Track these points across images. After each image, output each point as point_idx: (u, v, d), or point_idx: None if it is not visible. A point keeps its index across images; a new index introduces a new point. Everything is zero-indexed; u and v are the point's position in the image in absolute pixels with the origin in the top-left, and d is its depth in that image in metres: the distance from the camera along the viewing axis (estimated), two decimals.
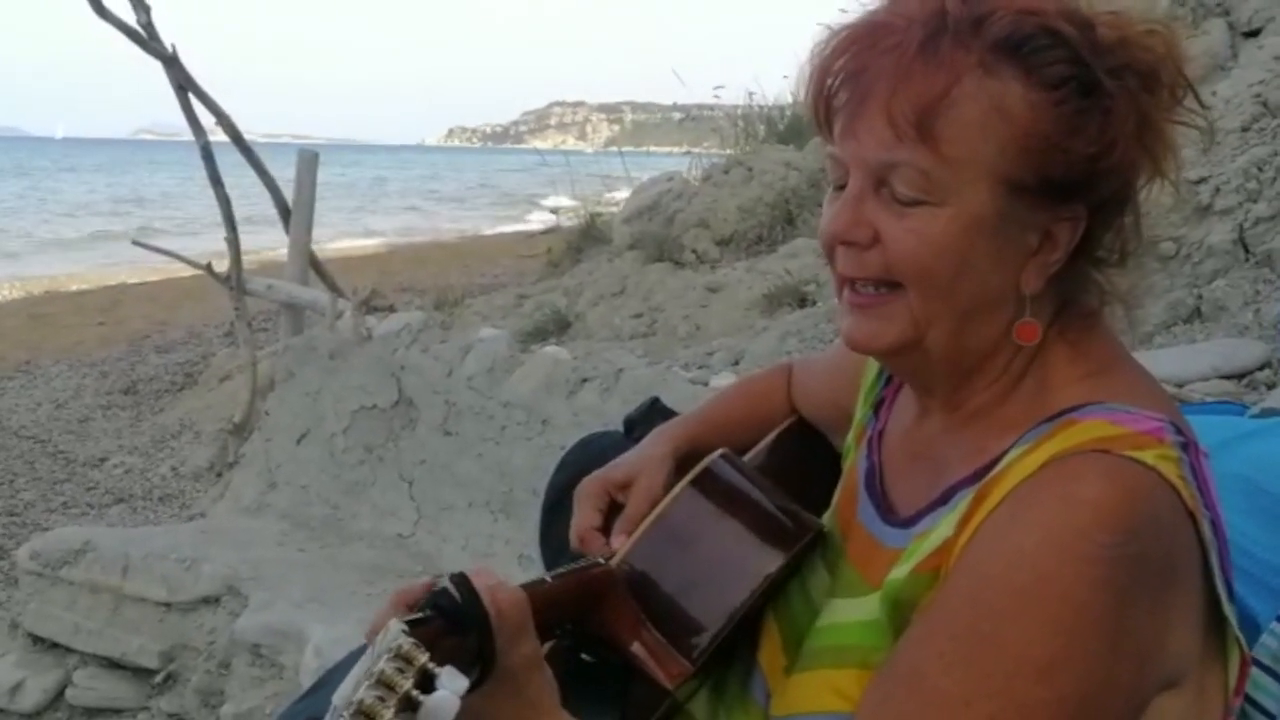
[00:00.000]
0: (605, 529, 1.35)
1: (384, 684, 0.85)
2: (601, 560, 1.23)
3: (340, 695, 0.85)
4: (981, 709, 0.91)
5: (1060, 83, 1.00)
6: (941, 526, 1.04)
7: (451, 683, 0.87)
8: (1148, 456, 0.95)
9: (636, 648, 1.15)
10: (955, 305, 1.04)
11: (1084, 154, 1.00)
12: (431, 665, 0.86)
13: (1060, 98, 1.00)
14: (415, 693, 0.85)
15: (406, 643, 0.86)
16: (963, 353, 1.07)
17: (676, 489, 1.27)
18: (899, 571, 1.06)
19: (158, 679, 3.91)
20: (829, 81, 1.06)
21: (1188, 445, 0.99)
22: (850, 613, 1.12)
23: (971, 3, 1.01)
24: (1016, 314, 1.05)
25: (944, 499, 1.07)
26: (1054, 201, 1.02)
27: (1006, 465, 1.00)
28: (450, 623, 0.94)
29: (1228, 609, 1.00)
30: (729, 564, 1.19)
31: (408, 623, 0.89)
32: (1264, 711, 1.12)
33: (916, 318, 1.04)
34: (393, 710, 0.84)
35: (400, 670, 0.85)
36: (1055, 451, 0.97)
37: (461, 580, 0.97)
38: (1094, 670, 0.91)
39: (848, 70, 1.04)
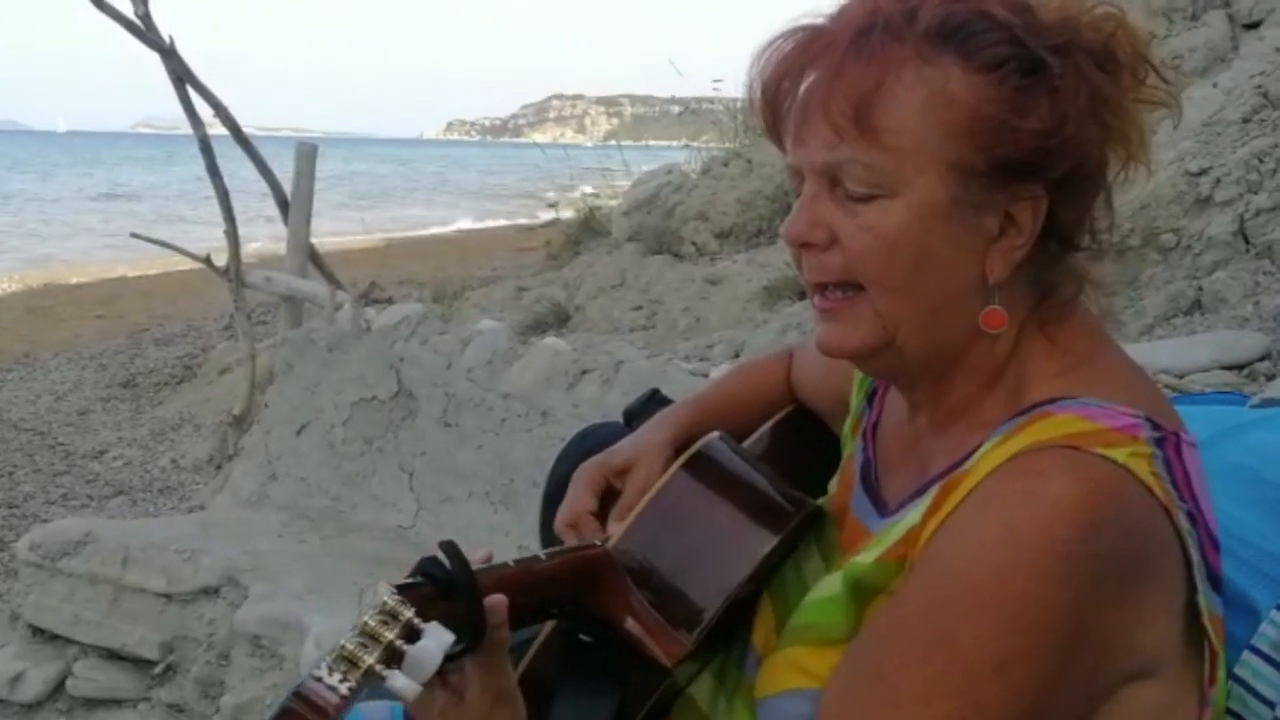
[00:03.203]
0: (601, 514, 1.35)
1: (368, 634, 0.86)
2: (598, 541, 1.23)
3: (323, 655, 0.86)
4: (939, 708, 0.91)
5: (1000, 63, 0.99)
6: (911, 515, 1.04)
7: (436, 636, 0.88)
8: (1119, 454, 0.94)
9: (633, 626, 1.15)
10: (920, 301, 1.03)
11: (1032, 131, 0.99)
12: (417, 620, 0.88)
13: (1001, 78, 0.99)
14: (399, 643, 0.86)
15: (393, 599, 0.88)
16: (937, 349, 1.06)
17: (670, 471, 1.27)
18: (865, 556, 1.06)
19: (158, 670, 3.91)
20: (772, 93, 1.07)
21: (1164, 439, 0.98)
22: (816, 592, 1.12)
23: None
24: (985, 305, 1.04)
25: (921, 492, 1.07)
26: (1008, 182, 1.01)
27: (977, 459, 1.00)
28: (439, 588, 0.94)
29: (1202, 600, 0.99)
30: (724, 545, 1.19)
31: (397, 586, 0.90)
32: (1263, 700, 1.12)
33: (883, 318, 1.04)
34: (374, 657, 0.85)
35: (385, 624, 0.87)
36: (1025, 445, 0.97)
37: (451, 547, 0.98)
38: (1049, 666, 0.91)
39: (788, 79, 1.05)
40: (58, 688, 4.07)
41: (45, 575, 4.11)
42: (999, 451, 0.98)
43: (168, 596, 3.90)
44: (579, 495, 1.36)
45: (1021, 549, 0.91)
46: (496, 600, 0.99)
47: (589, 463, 1.40)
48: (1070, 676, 0.92)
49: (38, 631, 4.16)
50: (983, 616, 0.91)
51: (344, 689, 0.83)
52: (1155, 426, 0.98)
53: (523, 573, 1.04)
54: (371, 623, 0.86)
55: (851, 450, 1.27)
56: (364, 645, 0.85)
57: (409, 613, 0.87)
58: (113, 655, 4.01)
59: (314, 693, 0.83)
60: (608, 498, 1.37)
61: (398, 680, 0.86)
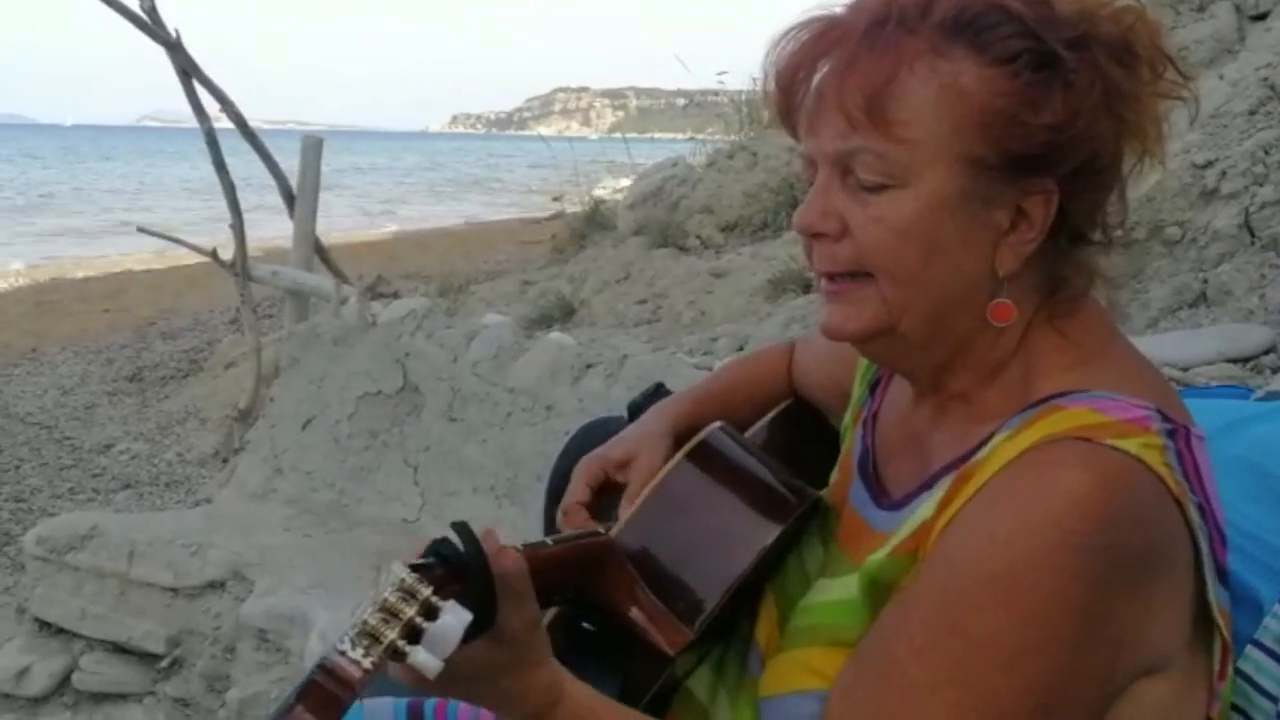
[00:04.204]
0: (593, 506, 1.35)
1: (388, 610, 0.86)
2: (601, 530, 1.23)
3: (341, 631, 0.86)
4: (948, 696, 0.92)
5: (1013, 57, 0.99)
6: (923, 509, 1.04)
7: (455, 614, 0.88)
8: (1131, 445, 0.94)
9: (636, 614, 1.16)
10: (928, 291, 1.03)
11: (1043, 125, 0.99)
12: (435, 598, 0.88)
13: (1014, 71, 0.99)
14: (419, 620, 0.87)
15: (410, 577, 0.88)
16: (941, 339, 1.07)
17: (674, 460, 1.27)
18: (879, 553, 1.06)
19: (164, 664, 3.92)
20: (786, 83, 1.07)
21: (1175, 431, 0.98)
22: (829, 592, 1.12)
23: None
24: (994, 298, 1.04)
25: (930, 484, 1.07)
26: (1019, 176, 1.01)
27: (990, 450, 1.00)
28: (451, 569, 0.94)
29: (1212, 594, 0.99)
30: (727, 534, 1.19)
31: (411, 566, 0.90)
32: (1266, 694, 1.12)
33: (889, 303, 1.04)
34: (396, 633, 0.85)
35: (404, 599, 0.87)
36: (1038, 438, 0.97)
37: (463, 528, 0.97)
38: (1063, 659, 0.91)
39: (802, 69, 1.06)
40: (64, 681, 4.08)
41: (52, 569, 4.12)
42: (1011, 445, 0.98)
43: (174, 590, 3.90)
44: (574, 487, 1.37)
45: (1035, 541, 0.91)
46: (491, 545, 0.98)
47: (589, 456, 1.41)
48: (1084, 669, 0.92)
49: (44, 625, 4.17)
50: (997, 608, 0.92)
51: (367, 663, 0.84)
52: (1166, 419, 0.98)
53: (530, 556, 1.04)
54: (392, 599, 0.86)
55: (850, 441, 1.27)
56: (385, 621, 0.86)
57: (427, 591, 0.88)
58: (119, 649, 4.01)
59: (338, 666, 0.84)
60: (606, 490, 1.38)
61: (420, 655, 0.86)
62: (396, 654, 0.86)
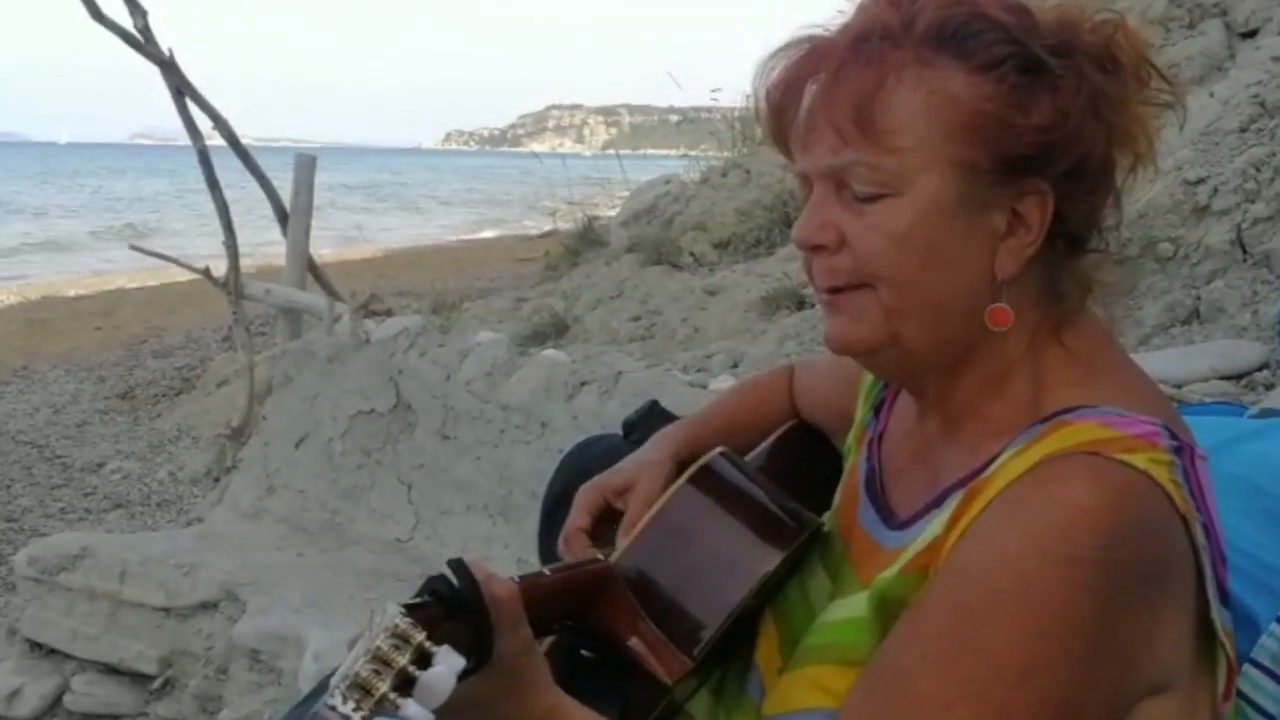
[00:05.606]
0: (594, 533, 1.35)
1: (380, 660, 0.85)
2: (600, 556, 1.23)
3: (337, 675, 0.85)
4: (960, 712, 0.91)
5: (999, 62, 1.01)
6: (933, 526, 1.04)
7: (448, 661, 0.87)
8: (1139, 460, 0.94)
9: (635, 643, 1.15)
10: (927, 297, 1.04)
11: (1033, 127, 1.00)
12: (429, 644, 0.86)
13: (1000, 76, 1.01)
14: (411, 668, 0.85)
15: (404, 622, 0.86)
16: (943, 345, 1.07)
17: (675, 486, 1.27)
18: (889, 571, 1.06)
19: (156, 685, 3.90)
20: (776, 104, 1.09)
21: (1182, 449, 0.98)
22: (840, 611, 1.12)
23: (903, 6, 1.04)
24: (993, 302, 1.05)
25: (939, 501, 1.07)
26: (1013, 178, 1.02)
27: (998, 466, 1.00)
28: (447, 608, 0.93)
29: (1215, 613, 1.00)
30: (728, 561, 1.19)
31: (405, 606, 0.89)
32: (1263, 713, 1.12)
33: (889, 311, 1.05)
34: (388, 684, 0.84)
35: (397, 647, 0.85)
36: (1046, 453, 0.97)
37: (459, 566, 0.97)
38: (1074, 674, 0.91)
39: (791, 90, 1.07)
40: (55, 703, 4.06)
41: (43, 590, 4.10)
42: (1020, 460, 0.98)
43: (166, 611, 3.88)
44: (574, 514, 1.37)
45: (1044, 555, 0.91)
46: (480, 573, 0.97)
47: (589, 483, 1.41)
48: (1095, 685, 0.92)
49: (35, 646, 4.15)
50: (1007, 623, 0.92)
51: (357, 718, 0.82)
52: (1173, 436, 0.99)
53: (527, 588, 1.03)
54: (384, 647, 0.85)
55: (854, 461, 1.27)
56: (377, 672, 0.84)
57: (420, 636, 0.86)
58: (111, 670, 3.99)
59: None
60: (607, 517, 1.38)
61: (411, 709, 0.85)
62: (388, 706, 0.84)
